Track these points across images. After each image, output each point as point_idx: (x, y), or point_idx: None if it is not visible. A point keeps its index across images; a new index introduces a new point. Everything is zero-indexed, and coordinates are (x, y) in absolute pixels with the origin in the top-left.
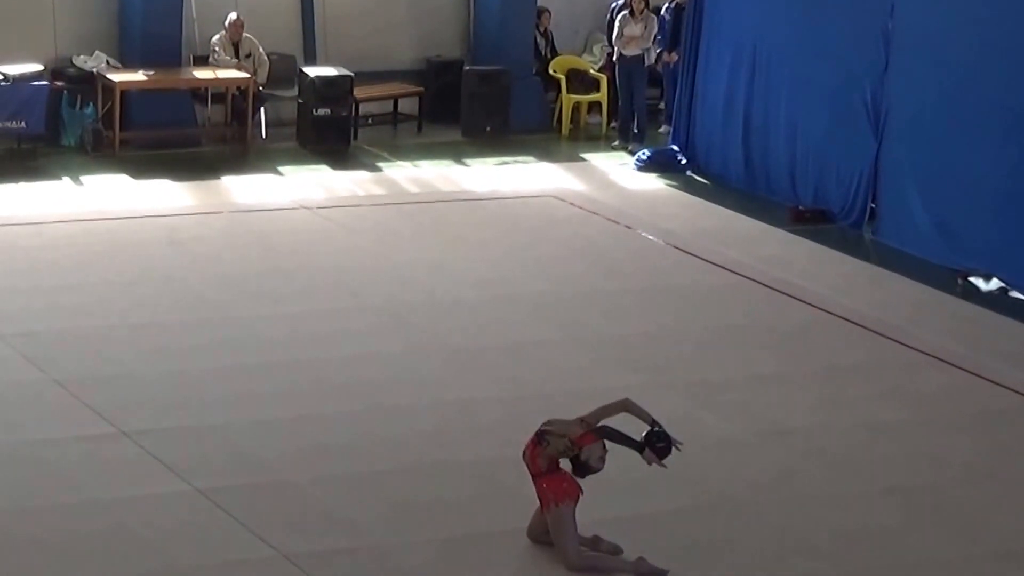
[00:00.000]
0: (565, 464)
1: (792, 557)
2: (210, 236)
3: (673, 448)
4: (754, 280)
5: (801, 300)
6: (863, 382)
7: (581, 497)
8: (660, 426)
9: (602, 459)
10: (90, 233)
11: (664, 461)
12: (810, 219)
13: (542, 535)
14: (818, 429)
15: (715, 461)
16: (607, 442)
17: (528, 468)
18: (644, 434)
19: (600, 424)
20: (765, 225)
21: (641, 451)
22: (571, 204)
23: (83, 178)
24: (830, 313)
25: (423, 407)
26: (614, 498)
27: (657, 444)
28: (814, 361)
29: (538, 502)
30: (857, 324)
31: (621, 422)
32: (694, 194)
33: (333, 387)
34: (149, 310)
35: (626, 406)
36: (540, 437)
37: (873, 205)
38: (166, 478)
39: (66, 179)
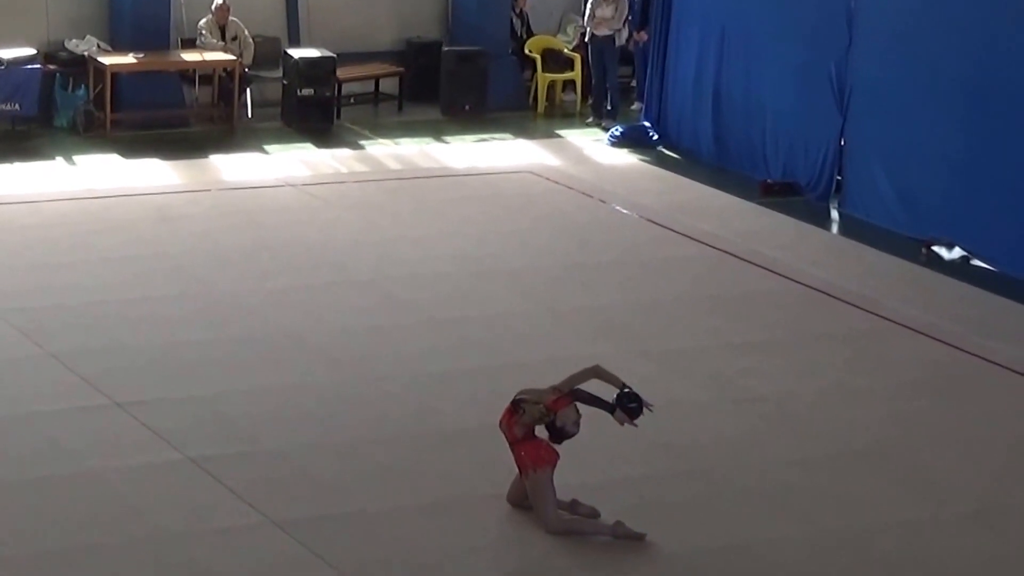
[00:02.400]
0: (541, 432)
1: (764, 520)
2: (199, 213)
3: (644, 409)
4: (726, 252)
5: (771, 271)
6: (832, 349)
7: (558, 462)
8: (631, 388)
9: (577, 424)
10: (83, 211)
11: (636, 422)
12: (779, 192)
13: (522, 500)
14: (788, 395)
15: (688, 427)
16: (581, 408)
17: (505, 436)
18: (615, 395)
19: (572, 389)
20: (735, 198)
21: (612, 412)
22: (547, 179)
23: (76, 158)
24: (799, 283)
25: (406, 377)
26: (591, 464)
27: (628, 404)
28: (784, 329)
29: (517, 469)
30: (826, 293)
31: (593, 389)
32: (666, 168)
33: (319, 358)
34: (141, 285)
35: (597, 372)
36: (516, 405)
37: (839, 178)
38: (158, 447)
39: (59, 159)
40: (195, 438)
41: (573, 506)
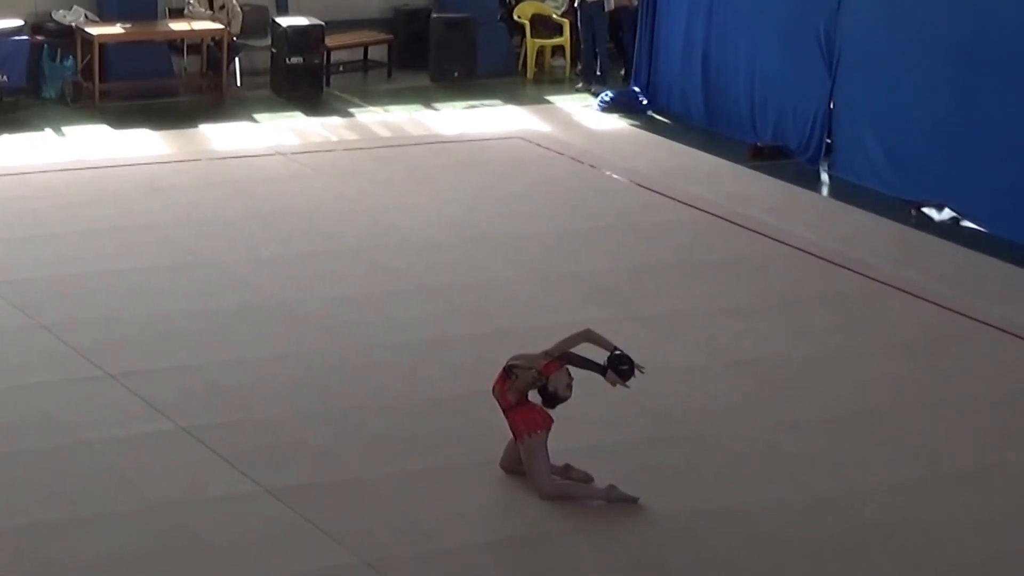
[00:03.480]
0: (535, 397)
1: (756, 483)
2: (188, 183)
3: (636, 371)
4: (716, 215)
5: (762, 234)
6: (823, 312)
7: (552, 427)
8: (622, 351)
9: (569, 387)
10: (72, 182)
11: (628, 383)
12: (769, 155)
13: (515, 465)
14: (780, 358)
15: (680, 391)
16: (574, 372)
17: (499, 403)
18: (607, 358)
19: (564, 353)
20: (725, 162)
21: (604, 373)
22: (537, 145)
23: (64, 129)
24: (790, 246)
25: (398, 345)
26: (584, 428)
27: (620, 367)
28: (775, 292)
29: (511, 434)
30: (816, 256)
31: (585, 353)
32: (656, 133)
33: (310, 327)
34: (131, 256)
35: (588, 336)
36: (508, 371)
37: (829, 141)
38: (151, 417)
39: (48, 130)
40: (188, 408)
41: (566, 471)
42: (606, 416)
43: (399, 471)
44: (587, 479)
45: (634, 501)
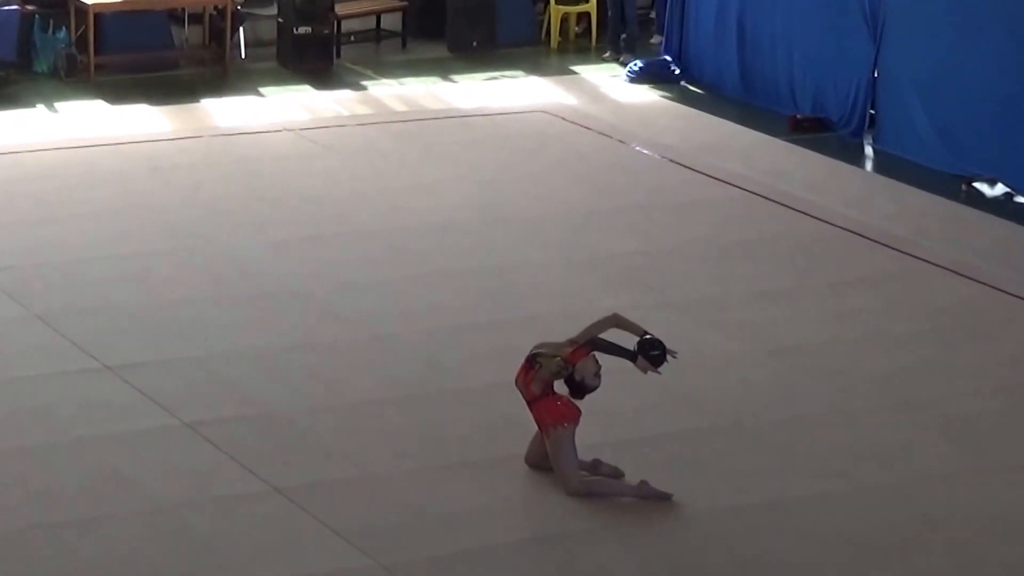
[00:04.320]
0: (561, 387)
1: (800, 478)
2: (191, 162)
3: (668, 356)
4: (754, 193)
5: (803, 212)
6: (869, 295)
7: (579, 419)
8: (652, 335)
9: (597, 375)
10: (67, 162)
11: (660, 370)
12: (809, 128)
13: (541, 460)
14: (824, 345)
15: (718, 381)
16: (602, 359)
17: (522, 394)
18: (637, 343)
19: (591, 339)
20: (763, 135)
21: (634, 360)
22: (562, 119)
23: (58, 105)
24: (833, 225)
25: (415, 333)
26: (614, 420)
27: (651, 352)
28: (818, 275)
29: (536, 427)
30: (861, 235)
31: (613, 339)
32: (689, 105)
33: (322, 315)
34: (131, 240)
35: (616, 321)
36: (531, 361)
37: (872, 112)
38: (153, 413)
39: (40, 107)
40: (191, 402)
41: (595, 466)
42: (637, 407)
43: (416, 467)
44: (617, 474)
45: (668, 498)
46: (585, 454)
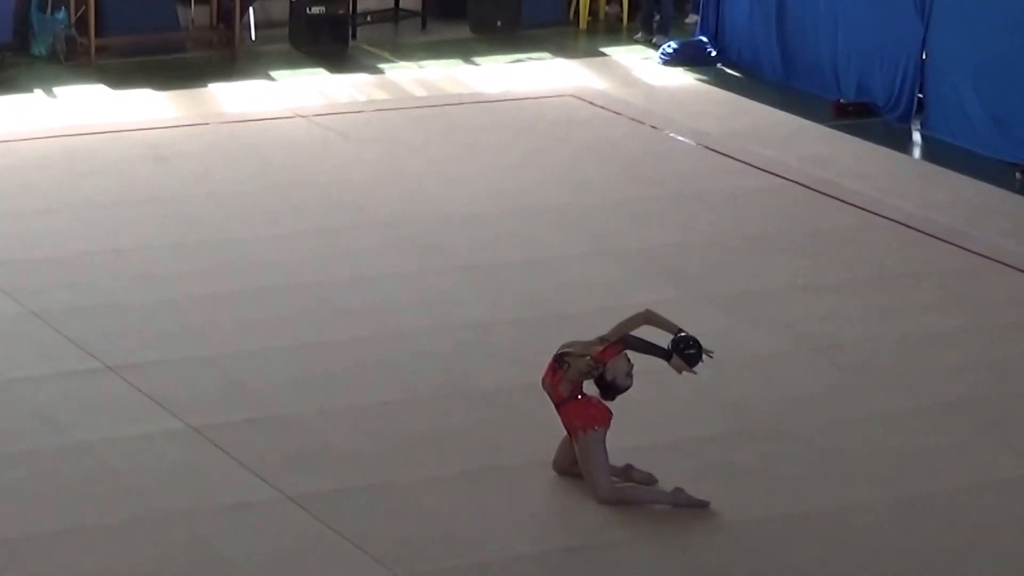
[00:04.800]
0: (591, 389)
1: (844, 484)
2: (198, 150)
3: (704, 355)
4: (794, 181)
5: (846, 202)
6: (916, 289)
7: (611, 422)
8: (687, 333)
9: (629, 375)
10: (66, 151)
11: (695, 369)
12: (853, 113)
13: (570, 466)
14: (868, 342)
15: (756, 380)
16: (634, 357)
17: (550, 397)
18: (671, 341)
19: (621, 336)
20: (805, 121)
21: (668, 359)
22: (592, 104)
23: (56, 90)
24: (878, 215)
25: (435, 331)
26: (647, 423)
27: (686, 351)
28: (862, 268)
29: (565, 431)
30: (908, 226)
31: (646, 337)
32: (726, 89)
33: (337, 312)
34: (134, 233)
35: (648, 317)
36: (559, 360)
37: (921, 96)
38: (157, 416)
39: (38, 92)
40: (198, 404)
41: (627, 472)
42: (673, 409)
43: (438, 474)
44: (651, 481)
45: (704, 506)
46: (617, 459)
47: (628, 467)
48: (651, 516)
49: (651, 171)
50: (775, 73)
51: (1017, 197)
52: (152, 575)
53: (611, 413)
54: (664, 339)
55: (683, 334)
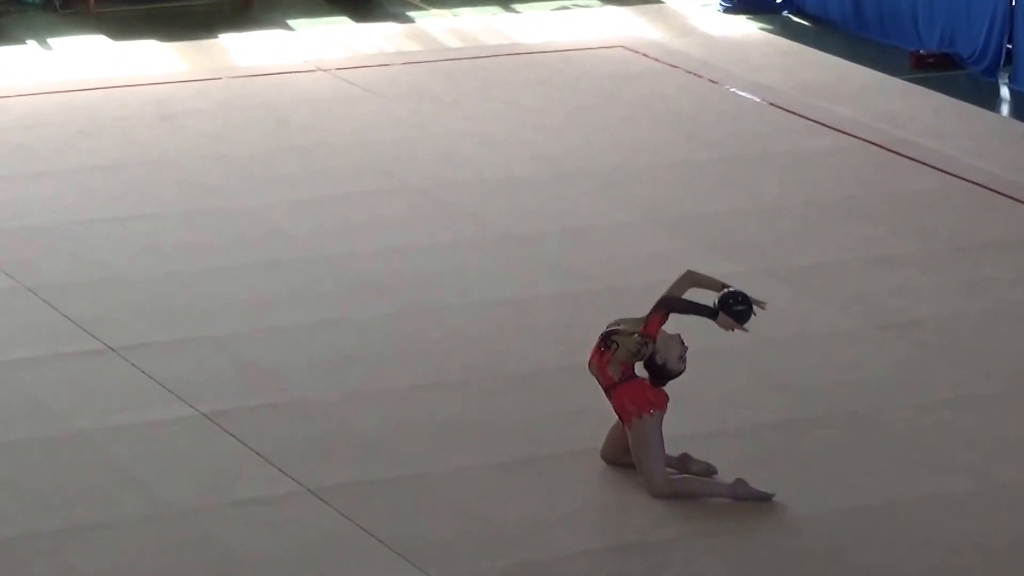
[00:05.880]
0: (643, 371)
1: (922, 476)
2: (207, 108)
3: (755, 310)
4: (868, 141)
5: (925, 163)
6: (1003, 261)
7: (667, 407)
8: (733, 288)
9: (682, 359)
10: (63, 108)
11: (746, 326)
12: (934, 65)
13: (620, 456)
14: (950, 320)
15: (824, 361)
16: (689, 335)
17: (598, 380)
18: (717, 297)
19: (662, 299)
20: (880, 74)
21: (715, 317)
22: (644, 56)
23: (52, 42)
24: (962, 178)
25: (471, 307)
26: (705, 408)
27: (734, 307)
28: (943, 237)
29: (615, 417)
30: (992, 190)
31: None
32: (793, 39)
33: (362, 287)
34: (137, 200)
35: (691, 278)
36: (606, 341)
37: (1010, 47)
38: (165, 401)
39: (32, 43)
40: (209, 389)
41: (684, 462)
42: (731, 393)
43: (472, 465)
44: (710, 472)
45: (768, 498)
46: (672, 448)
47: (685, 456)
48: (709, 511)
49: (709, 131)
50: (847, 22)
51: None
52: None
53: (667, 397)
54: (711, 301)
55: (730, 289)
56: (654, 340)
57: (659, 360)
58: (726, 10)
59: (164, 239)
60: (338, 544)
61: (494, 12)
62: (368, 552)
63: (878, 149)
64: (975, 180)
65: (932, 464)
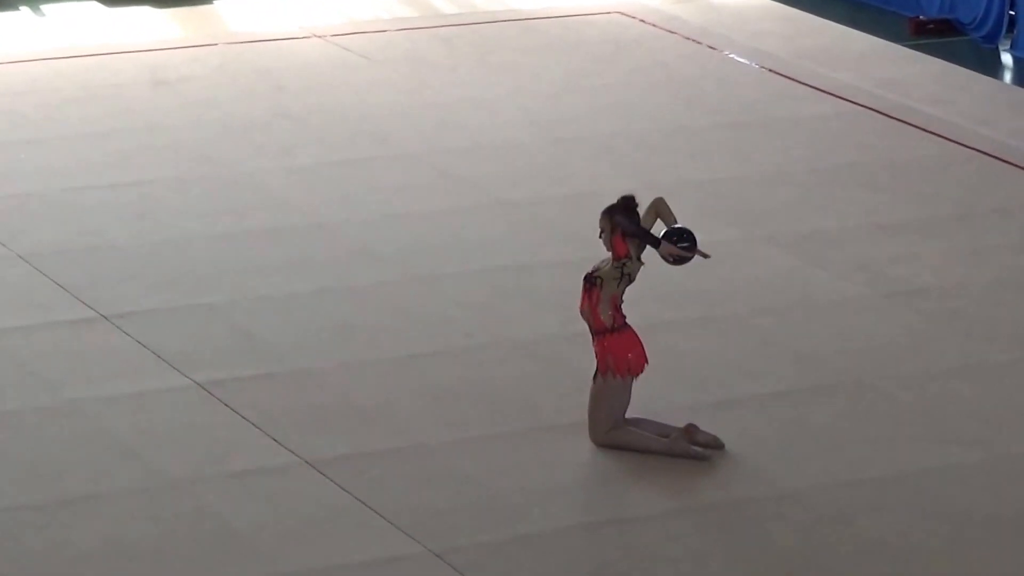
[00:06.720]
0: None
1: (932, 443)
2: (203, 74)
3: (697, 255)
4: (868, 108)
5: (926, 130)
6: (1006, 228)
7: (642, 374)
8: (686, 228)
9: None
10: (56, 74)
11: (680, 264)
12: (935, 31)
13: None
14: (952, 286)
15: (828, 329)
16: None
17: (589, 326)
18: (664, 231)
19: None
20: (880, 40)
21: (657, 246)
22: (642, 21)
23: (44, 7)
24: (963, 145)
25: (469, 275)
26: (713, 378)
27: (678, 244)
28: (946, 204)
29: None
30: (995, 157)
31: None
32: (792, 5)
33: (359, 254)
34: (131, 166)
35: (658, 207)
36: (590, 280)
37: (1012, 13)
38: (159, 371)
39: (24, 8)
40: (204, 358)
41: (690, 432)
42: (734, 362)
43: (473, 436)
44: (716, 444)
45: (706, 458)
46: (677, 419)
47: (691, 427)
48: (714, 481)
49: (708, 97)
50: None
51: None
52: (154, 550)
53: (646, 362)
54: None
55: (679, 226)
56: (629, 256)
57: (662, 253)
58: None
59: (158, 206)
60: (335, 516)
61: None
62: (365, 524)
63: (879, 115)
64: (977, 147)
65: (939, 434)
